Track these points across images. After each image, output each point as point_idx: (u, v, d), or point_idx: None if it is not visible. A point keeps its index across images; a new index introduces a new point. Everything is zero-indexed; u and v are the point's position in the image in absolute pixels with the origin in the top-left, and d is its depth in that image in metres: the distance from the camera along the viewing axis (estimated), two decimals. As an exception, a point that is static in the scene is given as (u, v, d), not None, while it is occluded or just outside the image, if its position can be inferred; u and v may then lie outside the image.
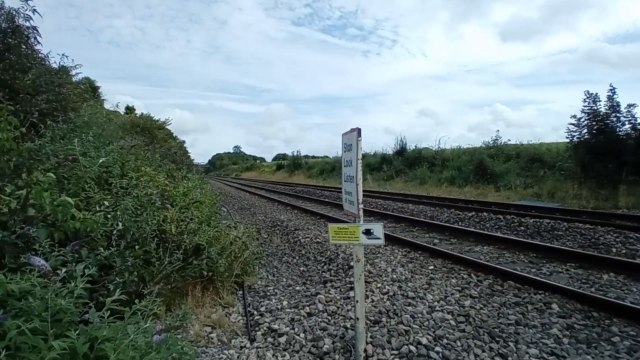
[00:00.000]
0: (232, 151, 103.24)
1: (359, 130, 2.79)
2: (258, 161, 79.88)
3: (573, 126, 12.91)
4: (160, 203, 4.21)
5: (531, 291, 4.28)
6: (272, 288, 4.97)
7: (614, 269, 4.97)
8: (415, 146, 25.53)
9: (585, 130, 12.61)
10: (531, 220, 8.25)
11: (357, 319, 2.94)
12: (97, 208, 3.32)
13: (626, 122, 12.00)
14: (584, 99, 12.62)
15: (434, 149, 23.89)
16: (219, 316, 3.75)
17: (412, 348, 3.09)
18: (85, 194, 3.46)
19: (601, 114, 12.28)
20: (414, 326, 3.45)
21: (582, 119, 12.66)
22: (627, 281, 4.65)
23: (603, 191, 11.21)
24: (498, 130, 36.92)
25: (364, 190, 2.87)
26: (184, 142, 21.88)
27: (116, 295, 1.77)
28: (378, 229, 2.84)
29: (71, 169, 3.64)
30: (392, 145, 26.76)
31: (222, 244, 4.60)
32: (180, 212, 4.55)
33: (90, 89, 11.70)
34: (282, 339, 3.34)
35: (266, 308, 4.17)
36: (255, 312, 4.07)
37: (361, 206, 2.83)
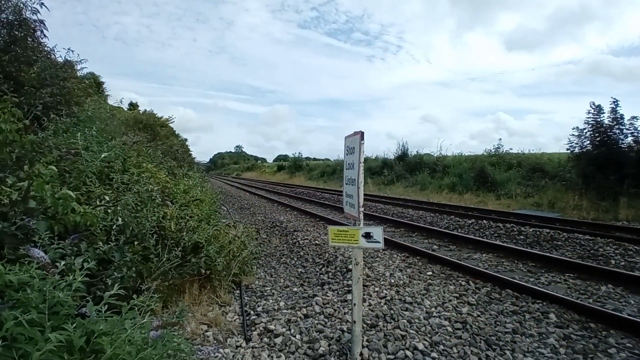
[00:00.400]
0: (233, 151, 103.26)
1: (362, 134, 2.79)
2: (259, 161, 79.87)
3: (574, 137, 12.93)
4: (160, 200, 4.21)
5: (529, 300, 4.27)
6: (269, 288, 4.96)
7: (612, 281, 4.96)
8: (417, 152, 25.63)
9: (588, 142, 12.62)
10: (531, 230, 8.24)
11: (354, 322, 2.93)
12: (98, 202, 3.32)
13: (629, 135, 12.02)
14: (589, 110, 12.64)
15: (435, 155, 23.93)
16: (215, 315, 3.74)
17: (408, 353, 3.08)
18: (86, 188, 3.46)
19: (604, 125, 12.28)
20: (411, 331, 3.44)
21: (585, 130, 12.67)
22: (625, 293, 4.64)
23: (603, 203, 11.20)
24: (500, 139, 36.74)
25: (364, 194, 2.87)
26: (186, 140, 21.86)
27: (114, 290, 1.76)
28: (378, 232, 2.84)
29: (73, 163, 3.64)
30: (394, 150, 26.78)
31: (221, 243, 4.60)
32: (180, 209, 4.55)
33: (95, 84, 11.74)
34: (278, 340, 3.33)
35: (263, 308, 4.16)
36: (252, 312, 4.06)
37: (362, 209, 2.83)
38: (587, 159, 12.55)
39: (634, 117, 11.95)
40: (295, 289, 4.94)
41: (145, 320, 1.74)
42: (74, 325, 1.54)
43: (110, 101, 12.46)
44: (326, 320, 3.76)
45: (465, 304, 4.19)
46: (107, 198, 3.44)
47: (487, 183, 16.59)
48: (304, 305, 4.15)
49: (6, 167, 2.90)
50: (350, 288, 4.31)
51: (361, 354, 3.02)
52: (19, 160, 3.03)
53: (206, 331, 3.46)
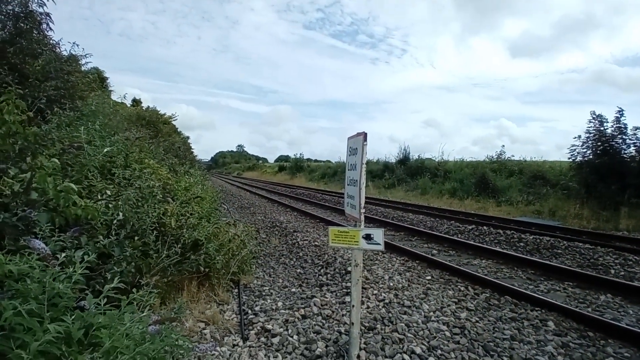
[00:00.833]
0: (235, 150, 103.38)
1: (365, 135, 2.79)
2: (260, 161, 79.93)
3: (576, 146, 12.92)
4: (161, 196, 4.21)
5: (528, 307, 4.26)
6: (267, 288, 4.95)
7: (611, 290, 4.95)
8: (419, 156, 25.54)
9: (590, 151, 12.60)
10: (531, 237, 8.22)
11: (352, 323, 2.92)
12: (99, 197, 3.32)
13: (631, 145, 11.98)
14: (590, 120, 12.62)
15: (437, 160, 23.88)
16: (213, 313, 3.73)
17: (406, 357, 3.07)
18: (87, 182, 3.46)
19: (607, 135, 12.26)
20: (409, 335, 3.43)
21: (587, 139, 12.65)
22: (624, 303, 4.62)
23: (604, 212, 11.17)
24: (503, 146, 36.77)
25: (365, 197, 2.86)
26: (188, 137, 21.89)
27: (115, 283, 1.76)
28: (378, 234, 2.84)
29: (75, 157, 3.65)
30: (395, 153, 26.73)
31: (221, 241, 4.60)
32: (180, 206, 4.55)
33: (99, 79, 11.75)
34: (275, 340, 3.32)
35: (261, 308, 4.15)
36: (250, 311, 4.06)
37: (363, 210, 2.83)
38: (589, 168, 12.51)
39: (637, 128, 11.91)
40: (293, 290, 4.93)
41: (144, 314, 1.73)
42: (72, 317, 1.54)
43: (114, 96, 12.51)
44: (324, 321, 3.75)
45: (463, 309, 4.18)
46: (108, 192, 3.44)
47: (488, 189, 16.56)
48: (302, 306, 4.14)
49: (9, 159, 2.90)
50: (348, 290, 4.30)
51: (358, 357, 3.01)
52: (21, 152, 3.04)
53: (203, 329, 3.46)
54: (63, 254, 1.85)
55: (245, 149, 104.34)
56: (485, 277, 5.27)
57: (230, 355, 3.06)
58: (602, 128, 12.41)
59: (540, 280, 5.47)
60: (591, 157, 12.56)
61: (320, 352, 3.14)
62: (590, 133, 12.61)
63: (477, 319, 3.93)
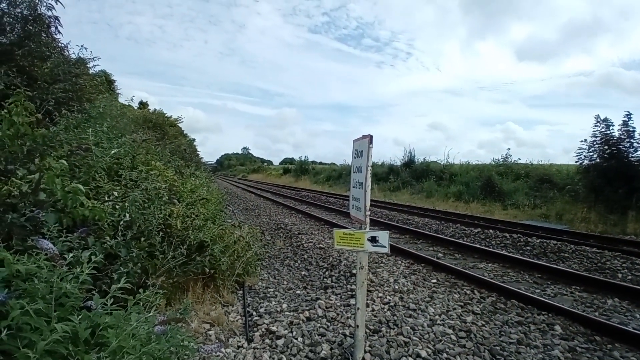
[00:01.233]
0: (240, 152, 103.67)
1: (370, 137, 2.79)
2: (265, 164, 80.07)
3: (583, 149, 12.83)
4: (167, 198, 4.23)
5: (534, 311, 4.22)
6: (272, 290, 4.95)
7: (618, 294, 4.90)
8: (424, 159, 25.43)
9: (597, 154, 12.51)
10: (538, 241, 8.16)
11: (357, 326, 2.92)
12: (106, 198, 3.35)
13: (639, 149, 11.88)
14: (594, 124, 12.55)
15: (442, 163, 23.79)
16: (218, 314, 3.74)
17: (411, 360, 3.05)
18: (95, 183, 3.49)
19: (614, 138, 12.17)
20: (414, 338, 3.41)
21: (594, 143, 12.57)
22: (631, 307, 4.57)
23: (612, 216, 11.07)
24: (509, 149, 36.52)
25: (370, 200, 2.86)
26: (194, 140, 22.02)
27: (121, 284, 1.77)
28: (384, 237, 2.83)
29: (83, 158, 3.68)
30: (401, 156, 26.65)
31: (226, 243, 4.61)
32: (186, 208, 4.57)
33: (106, 82, 11.86)
34: (280, 342, 3.32)
35: (265, 309, 4.15)
36: (255, 313, 4.06)
37: (368, 213, 2.82)
38: (596, 171, 12.42)
39: None
40: (298, 292, 4.93)
41: (150, 315, 1.74)
42: (79, 317, 1.55)
43: (121, 99, 12.62)
44: (329, 324, 3.74)
45: (469, 312, 4.15)
46: (115, 194, 3.47)
47: (494, 193, 16.47)
48: (307, 308, 4.13)
49: (17, 160, 2.93)
50: (353, 293, 4.29)
51: (363, 359, 3.00)
52: (30, 153, 3.07)
53: (208, 330, 3.46)
54: (70, 254, 1.87)
55: (250, 152, 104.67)
56: (492, 280, 5.23)
57: (234, 356, 3.06)
58: (608, 132, 12.33)
59: (547, 284, 5.42)
60: (598, 160, 12.47)
61: (324, 354, 3.13)
62: (596, 137, 12.54)
63: (483, 322, 3.90)
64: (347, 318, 3.84)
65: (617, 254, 7.03)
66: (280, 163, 79.53)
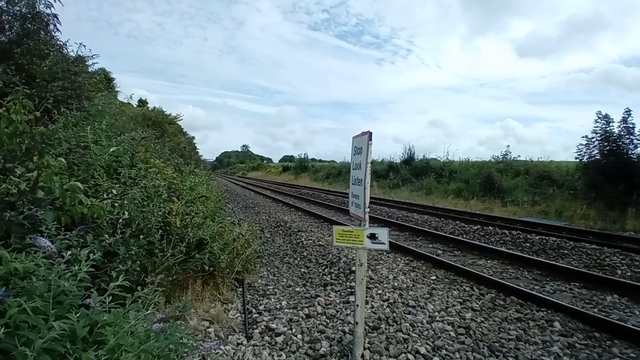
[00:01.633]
0: (240, 150, 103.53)
1: (370, 134, 2.78)
2: (265, 161, 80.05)
3: (583, 146, 12.83)
4: (166, 195, 4.22)
5: (534, 308, 4.23)
6: (272, 287, 4.96)
7: (618, 291, 4.90)
8: (424, 156, 25.43)
9: (596, 151, 12.50)
10: (537, 237, 8.16)
11: (357, 323, 2.92)
12: (105, 196, 3.34)
13: (639, 145, 11.87)
14: (596, 120, 12.54)
15: (442, 160, 23.78)
16: (217, 311, 3.75)
17: (410, 357, 3.06)
18: (94, 181, 3.48)
19: (614, 135, 12.16)
20: (413, 335, 3.42)
21: (594, 139, 12.56)
22: (630, 303, 4.58)
23: (611, 213, 11.08)
24: (508, 146, 36.47)
25: (369, 197, 2.85)
26: (193, 138, 22.01)
27: (120, 282, 1.77)
28: (383, 234, 2.83)
29: (82, 156, 3.67)
30: (400, 153, 26.66)
31: (225, 240, 4.60)
32: (185, 205, 4.56)
33: (105, 80, 11.84)
34: (279, 339, 3.32)
35: (265, 307, 4.16)
36: (254, 310, 4.06)
37: (367, 210, 2.82)
38: (595, 168, 12.42)
39: None
40: (297, 289, 4.93)
41: (148, 312, 1.74)
42: (77, 315, 1.54)
43: (120, 97, 12.59)
44: (328, 321, 3.75)
45: (469, 309, 4.16)
46: (114, 192, 3.46)
47: (493, 189, 16.47)
48: (306, 305, 4.14)
49: (15, 158, 2.93)
50: (352, 289, 4.29)
51: (362, 356, 3.01)
52: (28, 151, 3.07)
53: (208, 327, 3.47)
54: (69, 252, 1.86)
55: (250, 149, 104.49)
56: (491, 277, 5.24)
57: (234, 354, 3.06)
58: (608, 128, 12.32)
59: (546, 281, 5.43)
60: (598, 157, 12.47)
61: (324, 351, 3.13)
62: (596, 133, 12.53)
63: (483, 319, 3.91)
64: (347, 315, 3.84)
65: (616, 250, 7.03)
66: (280, 161, 79.55)
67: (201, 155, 21.78)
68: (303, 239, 7.78)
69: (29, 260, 1.67)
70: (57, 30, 6.28)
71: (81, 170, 3.49)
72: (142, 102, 19.51)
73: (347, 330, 3.48)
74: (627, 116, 12.10)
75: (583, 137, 12.85)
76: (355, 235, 2.88)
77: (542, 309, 4.17)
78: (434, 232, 8.91)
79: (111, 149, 4.02)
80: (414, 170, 23.60)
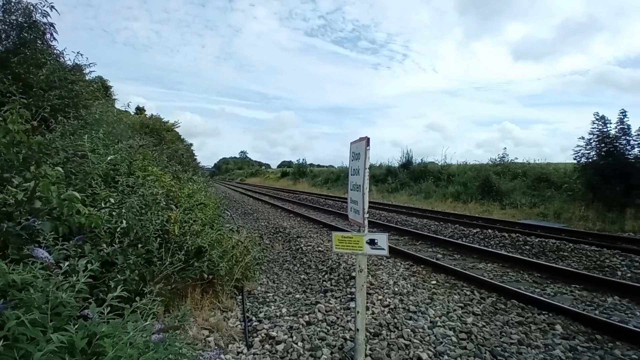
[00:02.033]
0: (238, 156, 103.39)
1: (367, 139, 2.78)
2: (263, 167, 80.00)
3: (580, 147, 12.87)
4: (164, 203, 4.20)
5: (535, 311, 4.21)
6: (271, 294, 4.93)
7: (618, 292, 4.89)
8: (422, 160, 25.46)
9: (594, 152, 12.54)
10: (536, 240, 8.16)
11: (358, 330, 2.90)
12: (103, 205, 3.33)
13: (636, 146, 11.92)
14: (593, 121, 12.59)
15: (440, 164, 23.82)
16: (217, 320, 3.72)
17: (412, 362, 3.04)
18: (91, 190, 3.47)
19: (611, 136, 12.21)
20: (415, 341, 3.40)
21: (591, 140, 12.61)
22: (631, 305, 4.57)
23: (610, 214, 11.10)
24: (505, 148, 36.64)
25: (368, 201, 2.85)
26: (191, 144, 22.00)
27: (118, 292, 1.75)
28: (382, 239, 2.82)
29: (79, 165, 3.66)
30: (398, 158, 26.70)
31: (224, 248, 4.58)
32: (184, 213, 4.55)
33: (103, 88, 11.84)
34: (280, 347, 3.30)
35: (265, 314, 4.13)
36: (254, 318, 4.04)
37: (366, 215, 2.81)
38: (593, 169, 12.45)
39: None
40: (297, 296, 4.91)
41: (147, 323, 1.72)
42: (76, 326, 1.53)
43: (118, 105, 12.55)
44: (329, 328, 3.73)
45: (470, 314, 4.14)
46: (112, 200, 3.45)
47: (492, 192, 16.49)
48: (307, 312, 4.11)
49: (13, 168, 2.91)
50: (353, 296, 4.28)
51: (364, 363, 2.99)
52: (25, 161, 3.05)
53: (207, 336, 3.44)
54: (66, 263, 1.85)
55: (248, 155, 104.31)
56: (491, 281, 5.23)
57: (234, 362, 3.04)
58: (605, 129, 12.37)
59: (546, 284, 5.42)
60: (595, 158, 12.51)
61: (325, 358, 3.11)
62: (593, 134, 12.58)
63: (484, 323, 3.89)
64: (347, 321, 3.82)
65: (616, 251, 7.04)
66: (278, 166, 79.54)
67: (199, 162, 21.77)
68: (302, 245, 7.75)
69: (27, 272, 1.66)
70: (54, 39, 6.30)
71: (79, 180, 3.48)
72: (140, 110, 19.53)
73: (348, 337, 3.46)
74: (622, 117, 12.16)
75: (580, 138, 12.92)
76: (354, 241, 2.87)
77: (544, 312, 4.16)
78: (434, 236, 8.90)
79: (109, 158, 4.00)
80: (412, 174, 23.63)
